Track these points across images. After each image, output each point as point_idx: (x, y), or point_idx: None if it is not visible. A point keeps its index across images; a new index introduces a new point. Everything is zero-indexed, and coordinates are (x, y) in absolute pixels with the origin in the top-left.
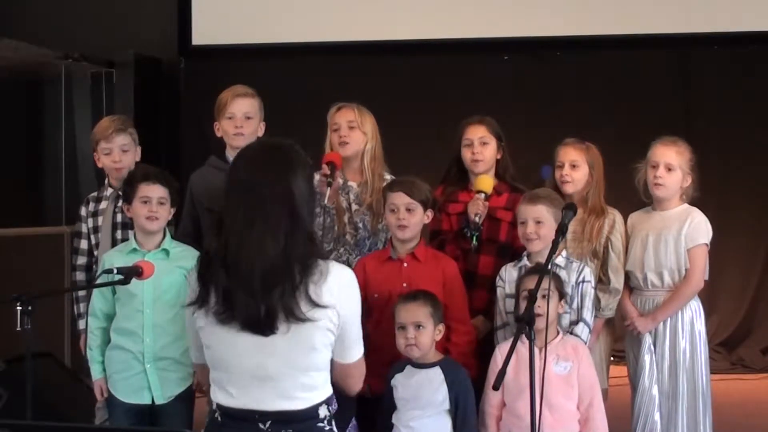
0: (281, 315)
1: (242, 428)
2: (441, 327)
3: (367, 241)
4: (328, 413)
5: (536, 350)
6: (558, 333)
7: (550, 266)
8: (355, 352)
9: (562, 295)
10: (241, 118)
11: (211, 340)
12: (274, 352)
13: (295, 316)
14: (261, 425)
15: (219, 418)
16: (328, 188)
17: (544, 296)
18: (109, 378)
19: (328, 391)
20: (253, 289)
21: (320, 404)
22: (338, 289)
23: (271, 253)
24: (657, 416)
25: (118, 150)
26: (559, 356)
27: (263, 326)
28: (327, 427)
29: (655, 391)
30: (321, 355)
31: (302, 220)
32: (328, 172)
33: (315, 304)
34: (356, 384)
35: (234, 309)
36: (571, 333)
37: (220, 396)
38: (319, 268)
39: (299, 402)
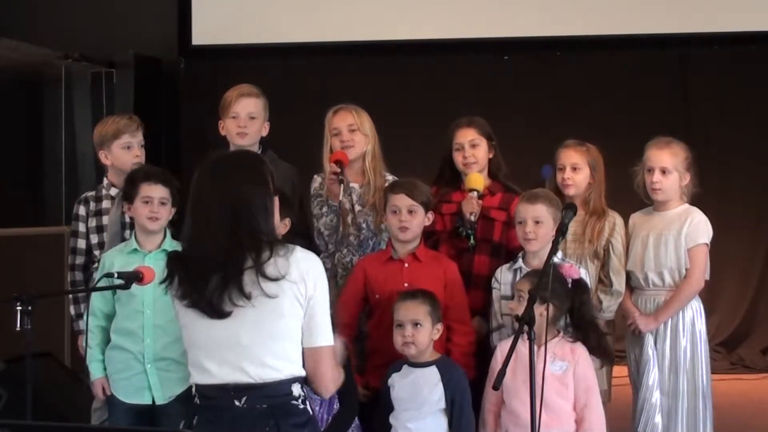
0: (232, 296)
1: (219, 407)
2: (439, 326)
3: (371, 241)
4: (302, 393)
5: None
6: (558, 333)
7: (550, 265)
8: (324, 337)
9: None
10: (244, 118)
11: (186, 320)
12: (245, 322)
13: (246, 296)
14: (237, 402)
15: (198, 401)
16: (341, 185)
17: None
18: (109, 378)
19: (300, 369)
20: (199, 280)
21: (293, 381)
22: (305, 267)
23: (216, 249)
24: (658, 417)
25: (138, 145)
26: (555, 355)
27: (214, 311)
28: (301, 406)
29: (656, 390)
30: (290, 324)
31: (251, 219)
32: (338, 170)
33: (277, 279)
34: (328, 376)
35: (190, 296)
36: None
37: (197, 375)
38: (283, 247)
39: (272, 371)
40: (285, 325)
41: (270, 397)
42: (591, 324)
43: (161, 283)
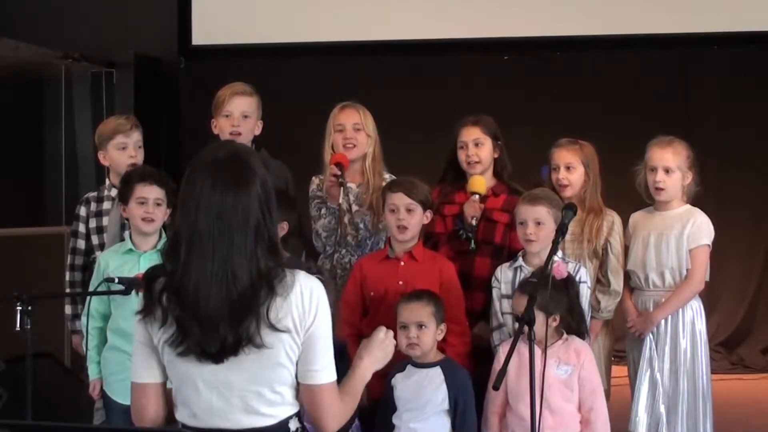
0: (244, 343)
1: None
2: (443, 327)
3: (369, 241)
4: (299, 425)
5: (537, 352)
6: (562, 335)
7: (549, 266)
8: (324, 374)
9: (550, 312)
10: (238, 117)
11: (172, 357)
12: (240, 368)
13: (255, 344)
14: None
15: None
16: (341, 188)
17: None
18: (105, 379)
19: (296, 405)
20: (216, 322)
21: (290, 418)
22: (300, 305)
23: (240, 283)
24: (659, 417)
25: (133, 145)
26: (560, 360)
27: (222, 355)
28: None
29: (656, 391)
30: (286, 370)
31: (265, 230)
32: (338, 173)
33: (276, 329)
34: (329, 414)
35: (188, 340)
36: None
37: (184, 415)
38: (283, 283)
39: (267, 418)
40: (282, 371)
41: None
42: (581, 316)
43: (137, 314)
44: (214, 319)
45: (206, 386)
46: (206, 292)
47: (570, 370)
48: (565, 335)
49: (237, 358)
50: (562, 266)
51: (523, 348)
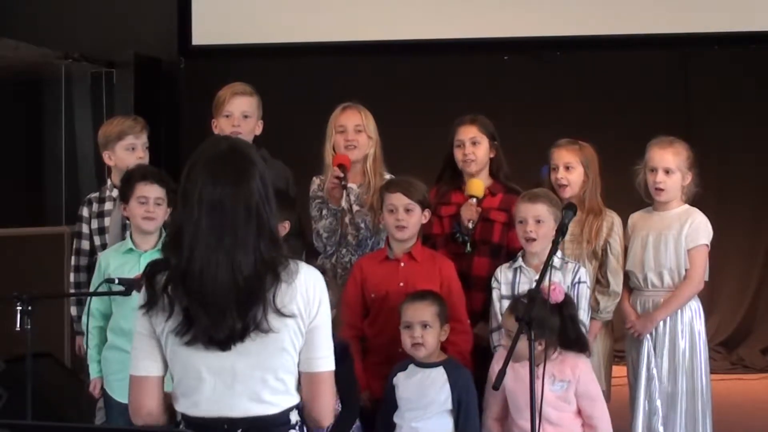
0: (251, 328)
1: None
2: (446, 327)
3: (369, 240)
4: (299, 419)
5: (535, 371)
6: (555, 350)
7: (549, 265)
8: (325, 362)
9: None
10: (238, 117)
11: (177, 347)
12: (245, 353)
13: (262, 330)
14: None
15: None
16: (344, 190)
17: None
18: (106, 378)
19: (297, 396)
20: (223, 309)
21: (291, 409)
22: (308, 292)
23: (245, 270)
24: (655, 418)
25: (142, 146)
26: (555, 377)
27: (229, 342)
28: None
29: (654, 391)
30: (291, 357)
31: (266, 222)
32: (342, 174)
33: (282, 314)
34: (327, 404)
35: (195, 328)
36: None
37: (185, 405)
38: (287, 270)
39: (269, 407)
40: (286, 358)
41: (267, 429)
42: (579, 336)
43: (140, 308)
44: (222, 305)
45: (210, 374)
46: (212, 278)
47: (565, 386)
48: (558, 351)
49: (243, 344)
50: (558, 290)
51: (520, 367)
